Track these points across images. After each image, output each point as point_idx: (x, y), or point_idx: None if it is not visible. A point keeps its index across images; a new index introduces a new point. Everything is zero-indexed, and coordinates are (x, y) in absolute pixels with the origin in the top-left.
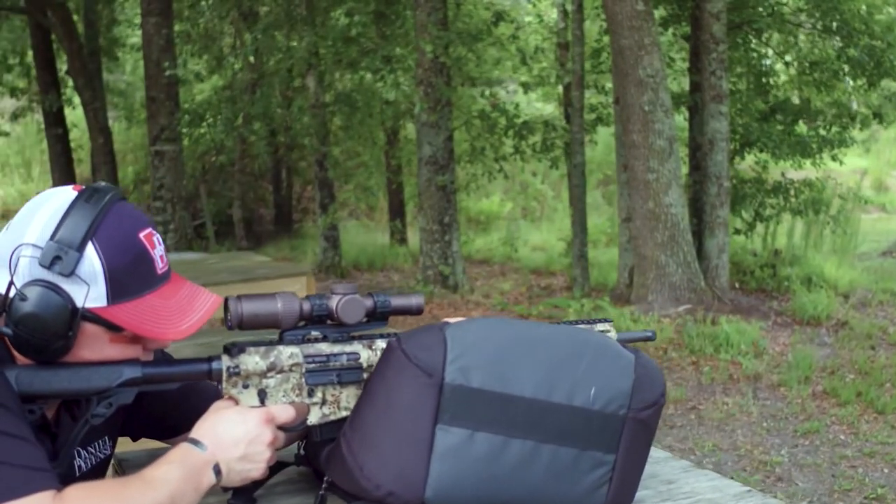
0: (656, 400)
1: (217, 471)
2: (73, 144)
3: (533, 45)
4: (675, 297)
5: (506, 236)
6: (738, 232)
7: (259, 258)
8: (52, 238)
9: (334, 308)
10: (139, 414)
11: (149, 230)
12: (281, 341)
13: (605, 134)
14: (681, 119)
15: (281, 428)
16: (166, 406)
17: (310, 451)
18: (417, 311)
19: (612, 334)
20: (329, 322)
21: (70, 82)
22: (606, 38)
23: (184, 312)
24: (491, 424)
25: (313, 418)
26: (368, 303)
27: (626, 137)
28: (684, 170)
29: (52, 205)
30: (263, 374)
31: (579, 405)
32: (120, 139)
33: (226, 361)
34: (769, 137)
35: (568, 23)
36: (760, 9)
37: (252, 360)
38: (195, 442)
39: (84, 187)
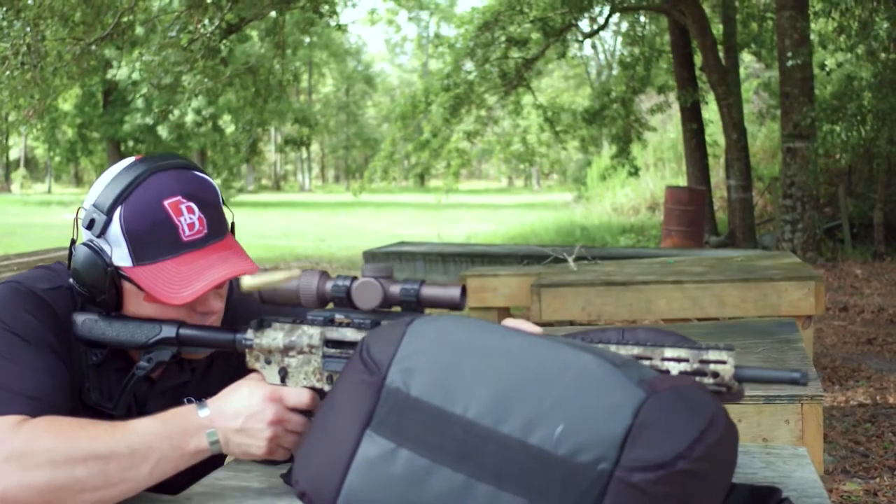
0: (668, 461)
1: (215, 439)
2: (708, 140)
3: None
4: None
5: None
6: None
7: (787, 260)
8: (93, 203)
9: (352, 290)
10: None
11: (177, 198)
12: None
13: None
14: None
15: (301, 412)
16: None
17: None
18: (451, 305)
19: (727, 368)
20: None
21: (705, 78)
22: None
23: (190, 280)
24: (418, 443)
25: None
26: (393, 289)
27: None
28: None
29: (109, 173)
30: (284, 353)
31: (535, 444)
32: (773, 136)
33: (248, 334)
34: None
35: None
36: None
37: (272, 336)
38: (202, 405)
39: (141, 157)
